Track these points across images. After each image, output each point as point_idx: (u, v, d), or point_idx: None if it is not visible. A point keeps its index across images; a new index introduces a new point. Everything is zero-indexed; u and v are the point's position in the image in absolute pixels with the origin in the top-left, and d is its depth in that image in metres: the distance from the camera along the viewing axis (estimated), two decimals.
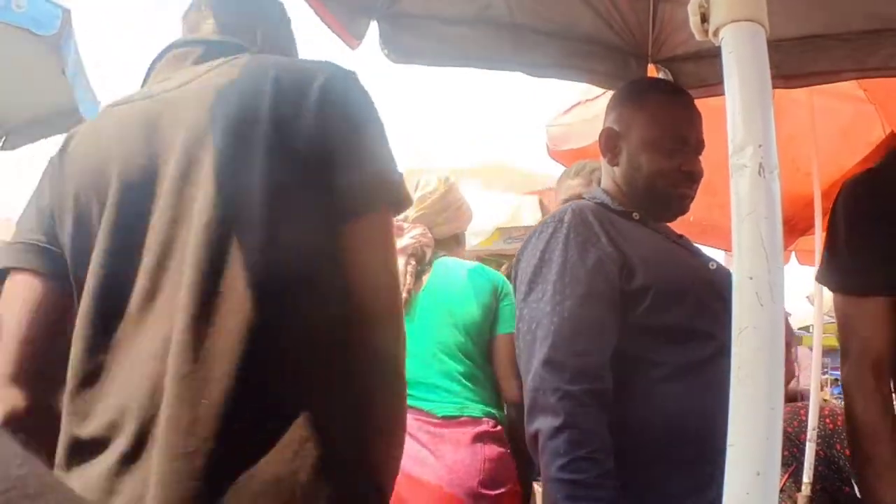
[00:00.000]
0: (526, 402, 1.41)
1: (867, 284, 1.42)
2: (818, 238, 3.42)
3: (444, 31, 2.03)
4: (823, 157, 3.39)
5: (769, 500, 0.85)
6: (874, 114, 3.39)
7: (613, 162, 1.65)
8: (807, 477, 3.14)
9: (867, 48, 1.99)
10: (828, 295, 5.78)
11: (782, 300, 0.92)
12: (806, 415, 3.16)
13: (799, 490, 3.38)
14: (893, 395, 1.47)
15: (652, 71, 2.30)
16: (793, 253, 4.67)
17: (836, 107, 3.41)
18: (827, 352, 7.18)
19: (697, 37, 1.05)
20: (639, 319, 1.46)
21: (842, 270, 1.48)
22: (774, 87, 1.00)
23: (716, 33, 1.02)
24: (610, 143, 1.66)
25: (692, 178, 1.62)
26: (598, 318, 1.43)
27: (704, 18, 1.04)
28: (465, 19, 2.03)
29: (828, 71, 2.11)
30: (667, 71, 2.27)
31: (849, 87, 3.18)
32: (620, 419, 1.40)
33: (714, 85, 2.08)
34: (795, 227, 3.77)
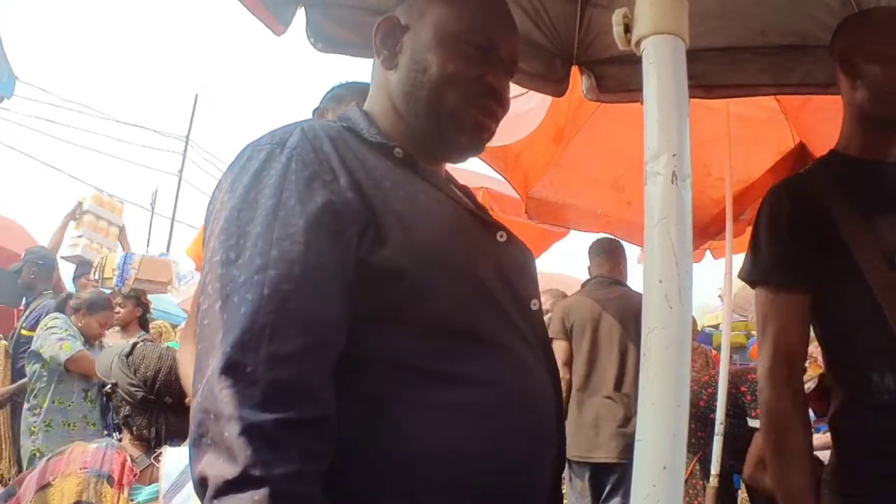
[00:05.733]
0: (191, 423, 0.89)
1: (780, 280, 1.52)
2: (729, 240, 3.54)
3: (372, 22, 2.03)
4: (735, 163, 3.52)
5: (675, 493, 0.89)
6: (785, 124, 3.54)
7: (389, 63, 1.18)
8: (714, 469, 3.28)
9: (785, 64, 2.08)
10: (737, 292, 5.96)
11: (690, 303, 0.97)
12: (715, 391, 3.32)
13: (705, 479, 3.54)
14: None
15: (576, 72, 2.34)
16: (707, 250, 4.79)
17: (749, 115, 3.54)
18: (735, 348, 7.45)
19: (620, 46, 1.09)
20: (386, 311, 1.00)
21: (759, 266, 1.57)
22: (695, 96, 1.05)
23: (638, 44, 1.06)
24: (389, 36, 1.19)
25: (495, 96, 1.17)
26: (316, 299, 0.93)
27: (628, 29, 1.07)
28: None
29: (747, 84, 2.18)
30: (591, 73, 2.32)
31: (763, 97, 3.31)
32: (357, 465, 0.96)
33: (638, 90, 2.13)
34: (706, 230, 3.88)
